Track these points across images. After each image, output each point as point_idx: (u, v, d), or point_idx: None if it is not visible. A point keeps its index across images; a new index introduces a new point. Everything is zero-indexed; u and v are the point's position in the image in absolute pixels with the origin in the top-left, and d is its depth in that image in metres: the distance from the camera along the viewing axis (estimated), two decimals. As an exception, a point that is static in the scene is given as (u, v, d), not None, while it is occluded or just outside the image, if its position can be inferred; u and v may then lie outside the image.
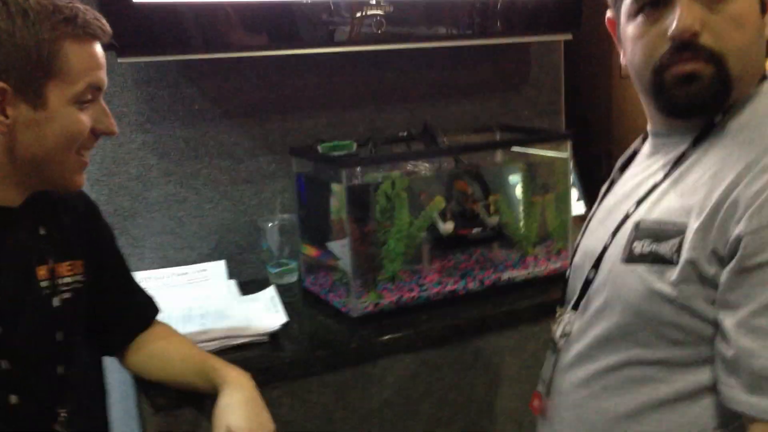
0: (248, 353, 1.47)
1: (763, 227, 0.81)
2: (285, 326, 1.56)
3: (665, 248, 0.91)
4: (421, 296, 1.67)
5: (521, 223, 1.86)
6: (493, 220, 1.77)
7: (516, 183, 1.92)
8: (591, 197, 2.40)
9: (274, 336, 1.53)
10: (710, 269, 0.87)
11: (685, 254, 0.88)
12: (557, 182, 1.84)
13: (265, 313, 1.62)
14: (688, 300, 0.88)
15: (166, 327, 1.39)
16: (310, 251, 1.83)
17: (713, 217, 0.87)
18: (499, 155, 1.91)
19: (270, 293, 1.72)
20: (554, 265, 1.81)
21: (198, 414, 1.37)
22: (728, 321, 0.84)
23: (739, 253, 0.83)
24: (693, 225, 0.89)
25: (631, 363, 0.95)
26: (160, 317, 1.40)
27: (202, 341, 1.45)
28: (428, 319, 1.61)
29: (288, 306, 1.70)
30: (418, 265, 1.77)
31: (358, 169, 1.66)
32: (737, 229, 0.84)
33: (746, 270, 0.83)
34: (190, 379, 1.32)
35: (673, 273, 0.89)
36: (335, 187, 1.66)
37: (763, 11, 0.92)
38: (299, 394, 1.46)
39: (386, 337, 1.53)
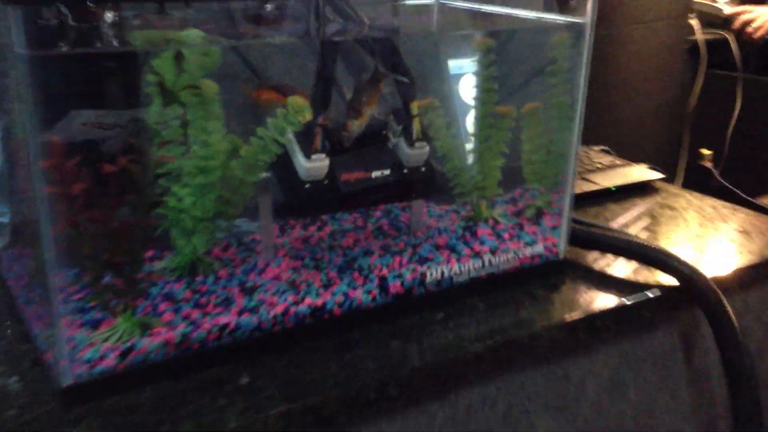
0: None
1: None
2: None
3: None
4: (246, 325, 0.73)
5: (471, 160, 0.93)
6: (418, 153, 0.83)
7: (462, 75, 0.98)
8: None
9: None
10: None
11: None
12: (554, 78, 0.90)
13: None
14: None
15: None
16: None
17: None
18: (436, 12, 0.94)
19: None
20: (533, 248, 0.89)
21: None
22: None
23: None
24: None
25: None
26: None
27: None
28: (256, 394, 0.68)
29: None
30: (244, 233, 0.83)
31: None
32: None
33: None
34: None
35: None
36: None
37: None
38: None
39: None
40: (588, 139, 1.70)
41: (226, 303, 0.75)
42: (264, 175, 0.78)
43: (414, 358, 0.73)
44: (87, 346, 0.66)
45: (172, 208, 0.76)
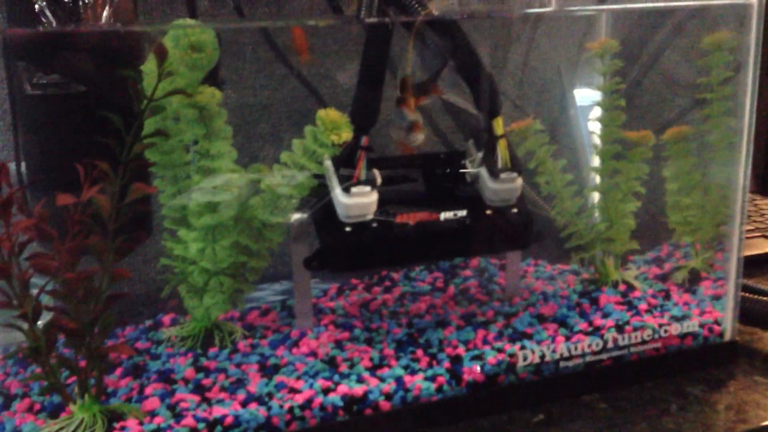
0: None
1: None
2: None
3: None
4: (249, 420, 0.52)
5: (594, 203, 0.69)
6: (505, 188, 0.60)
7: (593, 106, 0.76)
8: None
9: None
10: None
11: None
12: (710, 93, 0.65)
13: None
14: None
15: None
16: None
17: None
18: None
19: None
20: (683, 325, 0.62)
21: None
22: None
23: None
24: None
25: None
26: None
27: None
28: None
29: None
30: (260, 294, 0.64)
31: None
32: None
33: None
34: None
35: None
36: None
37: None
38: None
39: None
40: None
41: (236, 387, 0.55)
42: (296, 216, 0.59)
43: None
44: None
45: (179, 258, 0.59)
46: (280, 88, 0.84)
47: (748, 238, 0.92)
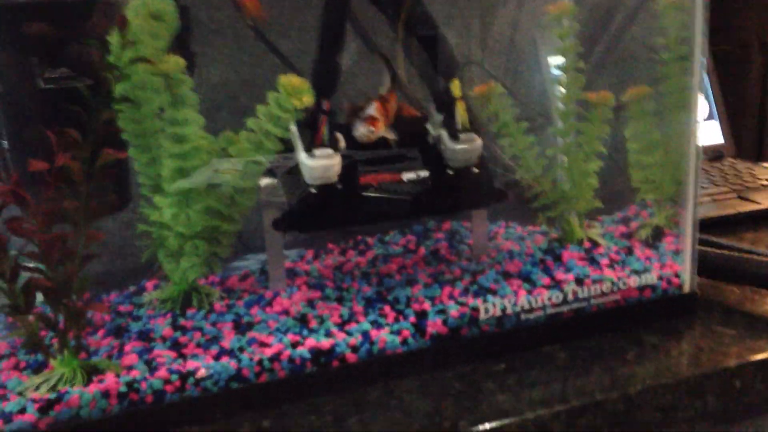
0: None
1: None
2: None
3: None
4: (219, 372, 0.55)
5: (561, 162, 0.71)
6: (465, 149, 0.62)
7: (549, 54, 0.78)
8: (734, 119, 1.22)
9: None
10: None
11: None
12: (666, 54, 0.67)
13: None
14: None
15: None
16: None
17: None
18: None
19: None
20: (641, 277, 0.64)
21: None
22: None
23: None
24: None
25: None
26: None
27: None
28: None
29: None
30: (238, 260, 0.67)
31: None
32: None
33: None
34: None
35: None
36: None
37: None
38: None
39: None
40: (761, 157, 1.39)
41: (210, 343, 0.58)
42: (266, 181, 0.62)
43: (447, 425, 0.52)
44: (16, 395, 0.52)
45: (155, 224, 0.62)
46: (260, 63, 0.86)
47: (724, 199, 0.94)
